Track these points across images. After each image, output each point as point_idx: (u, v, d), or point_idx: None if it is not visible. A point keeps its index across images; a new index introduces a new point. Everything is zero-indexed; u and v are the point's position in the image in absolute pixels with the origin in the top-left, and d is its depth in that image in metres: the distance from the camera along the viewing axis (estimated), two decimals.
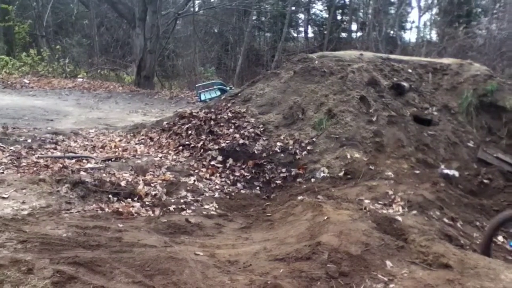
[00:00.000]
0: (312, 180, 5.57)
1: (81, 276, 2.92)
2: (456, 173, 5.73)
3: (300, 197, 4.89)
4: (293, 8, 22.57)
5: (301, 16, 25.86)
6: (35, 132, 6.59)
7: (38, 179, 4.56)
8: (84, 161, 5.58)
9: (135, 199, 4.75)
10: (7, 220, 3.61)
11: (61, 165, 5.22)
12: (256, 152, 6.05)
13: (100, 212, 4.22)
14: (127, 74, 17.37)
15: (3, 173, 4.78)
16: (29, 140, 6.11)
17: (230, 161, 6.00)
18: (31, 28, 17.40)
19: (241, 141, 6.16)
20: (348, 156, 5.70)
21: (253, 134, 6.25)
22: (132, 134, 7.14)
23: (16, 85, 12.09)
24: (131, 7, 15.92)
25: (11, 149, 5.63)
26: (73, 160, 5.53)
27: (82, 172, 5.06)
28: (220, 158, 6.02)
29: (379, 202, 4.79)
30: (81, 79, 14.45)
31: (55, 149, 6.00)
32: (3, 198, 3.94)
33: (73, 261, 3.08)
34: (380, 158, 5.72)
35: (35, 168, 5.06)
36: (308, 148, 6.02)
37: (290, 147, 6.06)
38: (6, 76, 13.21)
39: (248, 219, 4.59)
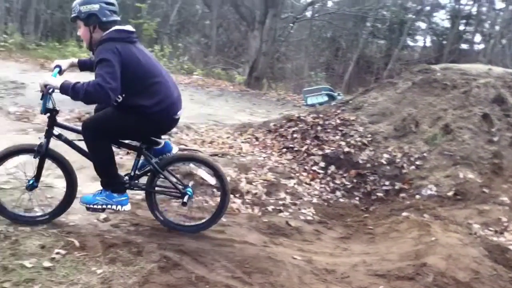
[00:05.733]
0: (417, 196, 5.28)
1: (185, 264, 3.08)
2: None
3: (405, 214, 4.67)
4: (414, 16, 21.64)
5: (421, 24, 24.69)
6: None
7: None
8: None
9: (237, 195, 4.88)
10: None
11: None
12: (360, 161, 5.90)
13: (205, 204, 4.40)
14: (238, 74, 17.95)
15: (121, 158, 5.18)
16: None
17: (332, 168, 5.92)
18: (158, 26, 18.73)
19: (346, 149, 6.05)
20: (461, 176, 5.32)
21: (359, 143, 6.10)
22: (239, 133, 7.33)
23: None
24: (252, 10, 16.45)
25: None
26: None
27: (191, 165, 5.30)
28: (322, 164, 5.96)
29: (490, 228, 4.44)
30: (196, 76, 15.20)
31: (168, 140, 6.36)
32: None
33: (178, 249, 3.26)
34: (496, 181, 5.28)
35: None
36: (417, 163, 5.73)
37: (398, 160, 5.82)
38: None
39: (348, 229, 4.49)
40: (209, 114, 9.11)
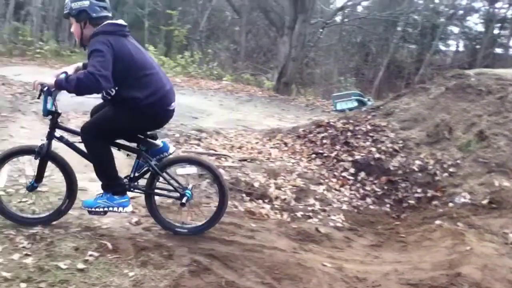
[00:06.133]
0: (450, 204, 5.16)
1: (215, 269, 3.10)
2: None
3: (438, 222, 4.57)
4: (446, 20, 21.21)
5: (453, 29, 24.18)
6: (182, 128, 7.08)
7: None
8: (223, 159, 5.88)
9: (266, 201, 4.88)
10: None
11: None
12: (391, 168, 5.82)
13: (235, 209, 4.42)
14: (267, 79, 18.01)
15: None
16: (177, 135, 6.59)
17: (362, 174, 5.85)
18: (188, 32, 19.00)
19: (376, 155, 5.97)
20: (496, 184, 5.16)
21: (390, 150, 6.02)
22: (268, 138, 7.33)
23: None
24: (282, 16, 16.53)
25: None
26: (214, 157, 5.87)
27: (220, 170, 5.34)
28: (352, 170, 5.91)
29: None
30: (225, 82, 15.32)
31: (198, 145, 6.42)
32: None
33: (209, 253, 3.29)
34: None
35: None
36: (450, 170, 5.61)
37: (430, 167, 5.71)
38: None
39: (379, 237, 4.42)
40: (238, 120, 9.15)
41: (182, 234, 3.61)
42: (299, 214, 4.71)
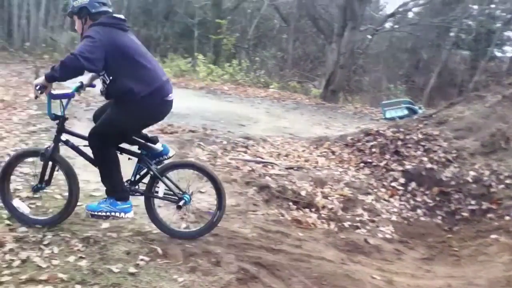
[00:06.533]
0: (507, 218, 4.93)
1: (262, 277, 3.09)
2: None
3: (493, 236, 4.37)
4: (502, 25, 20.32)
5: (510, 34, 23.10)
6: (229, 135, 7.18)
7: (231, 179, 4.99)
8: (269, 166, 5.90)
9: (313, 210, 4.84)
10: (203, 212, 4.02)
11: (250, 168, 5.61)
12: (443, 179, 5.64)
13: (281, 218, 4.41)
14: (314, 87, 17.89)
15: None
16: (224, 142, 6.67)
17: (413, 185, 5.70)
18: (236, 41, 19.22)
19: (428, 165, 5.80)
20: None
21: (443, 159, 5.82)
22: (315, 146, 7.28)
23: (217, 91, 13.42)
24: (330, 23, 16.42)
25: (209, 149, 6.25)
26: (260, 165, 5.89)
27: (267, 177, 5.36)
28: (402, 180, 5.77)
29: None
30: (272, 90, 15.34)
31: (245, 152, 6.47)
32: (201, 192, 4.36)
33: (256, 261, 3.29)
34: None
35: (228, 168, 5.54)
36: (507, 181, 5.37)
37: (485, 178, 5.49)
38: (210, 82, 14.78)
39: (431, 250, 4.29)
40: (285, 127, 9.15)
41: (180, 237, 3.60)
42: (346, 224, 4.65)
